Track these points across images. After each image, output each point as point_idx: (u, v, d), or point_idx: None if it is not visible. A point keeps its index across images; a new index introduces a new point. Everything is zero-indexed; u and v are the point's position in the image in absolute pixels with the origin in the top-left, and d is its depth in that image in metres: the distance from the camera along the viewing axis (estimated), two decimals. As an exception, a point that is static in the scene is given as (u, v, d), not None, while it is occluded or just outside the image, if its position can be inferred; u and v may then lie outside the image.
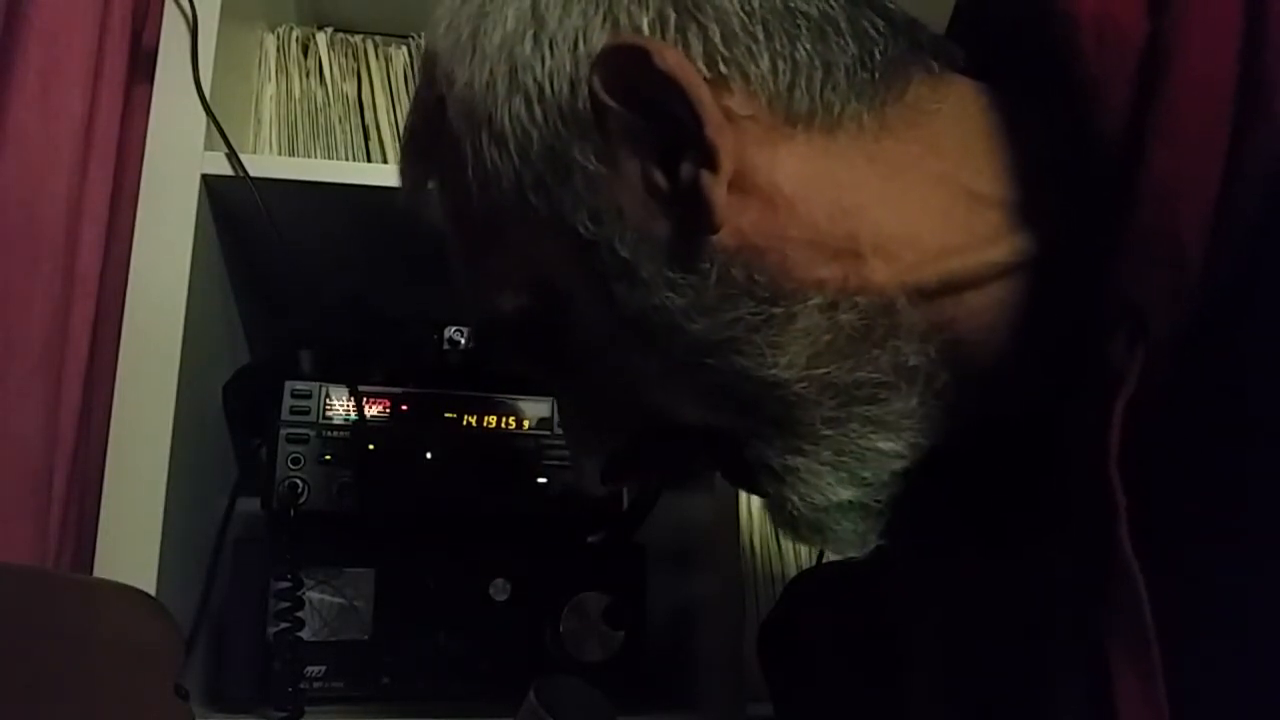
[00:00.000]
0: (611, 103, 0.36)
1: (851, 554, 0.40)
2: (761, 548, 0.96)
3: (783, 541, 0.96)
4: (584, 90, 0.36)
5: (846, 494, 0.38)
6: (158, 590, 0.60)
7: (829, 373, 0.36)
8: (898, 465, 0.38)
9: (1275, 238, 0.30)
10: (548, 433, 0.75)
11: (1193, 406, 0.32)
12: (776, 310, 0.36)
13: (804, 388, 0.37)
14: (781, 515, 0.39)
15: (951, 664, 0.44)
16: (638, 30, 0.36)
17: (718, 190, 0.35)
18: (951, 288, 0.36)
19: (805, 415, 0.37)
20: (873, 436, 0.37)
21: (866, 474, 0.38)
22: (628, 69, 0.35)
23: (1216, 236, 0.31)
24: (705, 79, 0.35)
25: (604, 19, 0.37)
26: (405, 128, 0.46)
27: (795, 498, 0.38)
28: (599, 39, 0.36)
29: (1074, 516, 0.34)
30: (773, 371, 0.36)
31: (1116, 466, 0.32)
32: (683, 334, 0.37)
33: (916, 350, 0.37)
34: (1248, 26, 0.32)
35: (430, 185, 0.44)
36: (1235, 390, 0.31)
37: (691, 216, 0.36)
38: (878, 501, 0.39)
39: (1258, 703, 0.31)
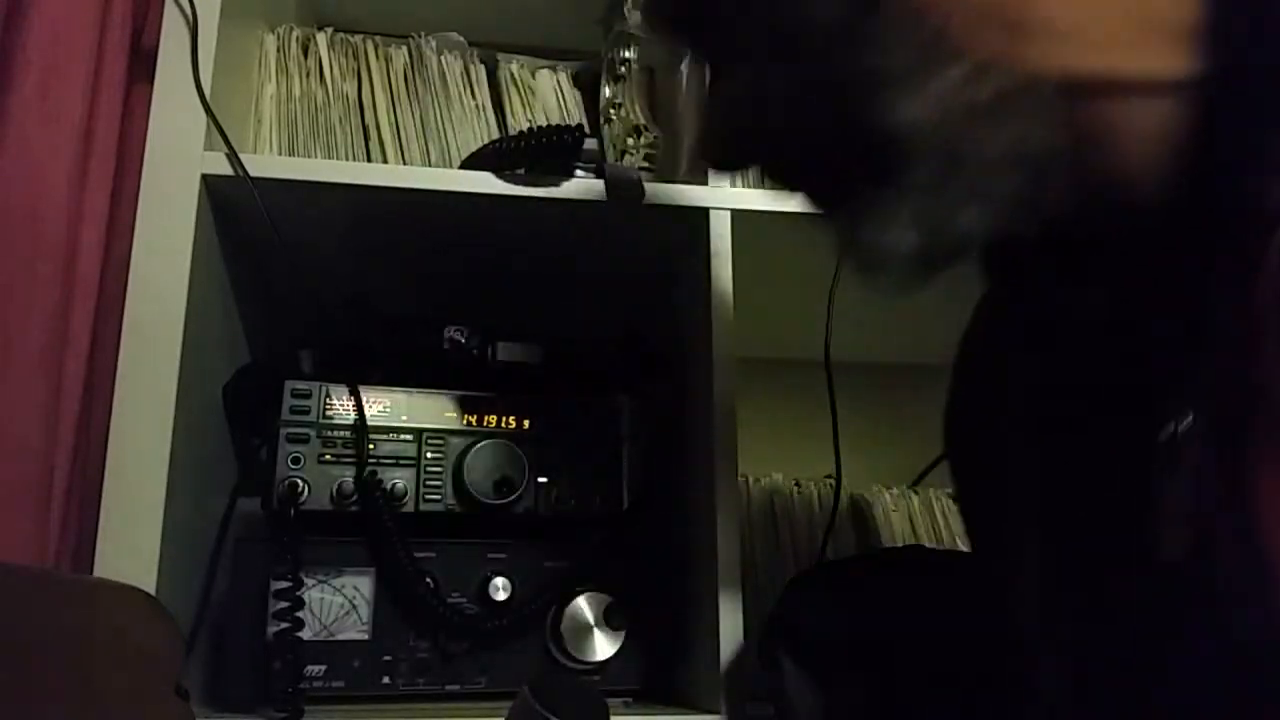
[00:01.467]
0: None
1: (891, 296, 0.39)
2: (762, 547, 0.95)
3: (783, 541, 0.96)
4: None
5: (910, 248, 0.37)
6: (158, 590, 0.61)
7: (948, 139, 0.36)
8: (975, 239, 0.37)
9: None
10: (548, 433, 0.75)
11: None
12: (923, 65, 0.35)
13: (917, 144, 0.36)
14: (843, 242, 0.39)
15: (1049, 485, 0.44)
16: None
17: None
18: (1106, 88, 0.35)
19: (908, 171, 0.36)
20: (960, 208, 0.37)
21: (939, 239, 0.37)
22: None
23: None
24: None
25: None
26: None
27: (865, 238, 0.38)
28: None
29: (1215, 345, 0.34)
30: (895, 120, 0.36)
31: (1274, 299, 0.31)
32: (826, 60, 0.36)
33: (1044, 139, 0.36)
34: None
35: None
36: None
37: None
38: (941, 261, 0.38)
39: None
